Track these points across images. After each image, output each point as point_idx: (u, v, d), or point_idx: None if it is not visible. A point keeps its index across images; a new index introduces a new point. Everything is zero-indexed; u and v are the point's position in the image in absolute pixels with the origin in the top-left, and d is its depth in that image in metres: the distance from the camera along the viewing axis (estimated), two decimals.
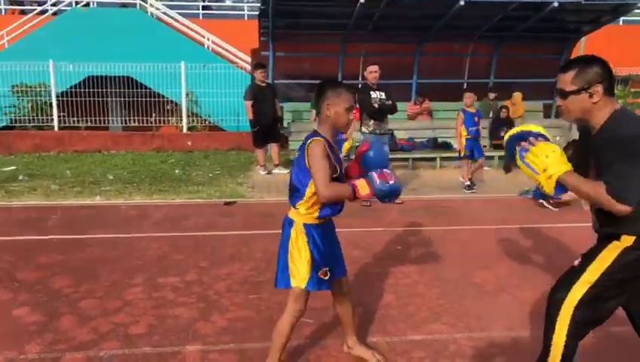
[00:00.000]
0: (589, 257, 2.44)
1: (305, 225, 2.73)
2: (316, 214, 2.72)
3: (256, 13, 10.56)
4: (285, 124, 10.66)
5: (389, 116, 7.02)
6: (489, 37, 11.58)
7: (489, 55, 11.97)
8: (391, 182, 2.60)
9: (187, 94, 12.24)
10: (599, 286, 2.36)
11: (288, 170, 9.46)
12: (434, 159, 10.34)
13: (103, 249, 5.19)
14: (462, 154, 8.17)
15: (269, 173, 9.28)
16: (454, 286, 4.32)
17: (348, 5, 9.49)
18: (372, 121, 6.78)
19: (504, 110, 10.48)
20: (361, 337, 3.35)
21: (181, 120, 12.27)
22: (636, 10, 18.88)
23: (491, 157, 10.14)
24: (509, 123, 10.22)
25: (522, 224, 6.26)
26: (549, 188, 2.38)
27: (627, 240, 2.33)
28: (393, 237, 5.65)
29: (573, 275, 2.43)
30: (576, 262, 2.48)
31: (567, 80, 2.36)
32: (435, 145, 10.72)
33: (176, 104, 12.51)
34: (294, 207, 2.75)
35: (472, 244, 5.47)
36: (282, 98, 10.91)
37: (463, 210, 7.07)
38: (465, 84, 11.99)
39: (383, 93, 6.82)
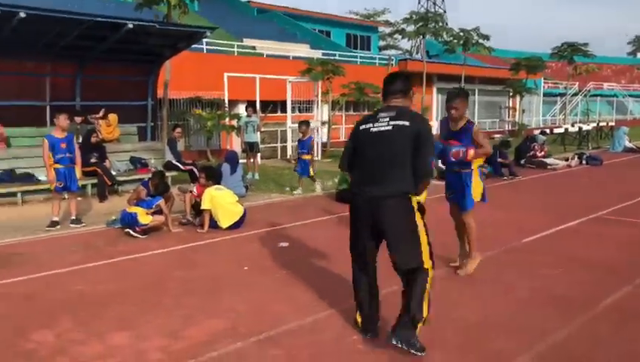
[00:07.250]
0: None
1: None
2: None
3: None
4: None
5: None
6: (70, 56, 10.68)
7: (72, 76, 11.06)
8: None
9: None
10: None
11: None
12: (14, 194, 8.81)
13: None
14: (52, 186, 7.39)
15: None
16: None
17: None
18: None
19: (94, 135, 9.80)
20: None
21: None
22: (219, 41, 21.15)
23: (84, 186, 9.27)
24: (101, 147, 9.66)
25: (106, 259, 5.74)
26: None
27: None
28: None
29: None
30: None
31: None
32: (14, 177, 9.15)
33: None
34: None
35: (37, 297, 4.60)
36: None
37: (36, 254, 6.06)
38: (48, 107, 10.76)
39: None
